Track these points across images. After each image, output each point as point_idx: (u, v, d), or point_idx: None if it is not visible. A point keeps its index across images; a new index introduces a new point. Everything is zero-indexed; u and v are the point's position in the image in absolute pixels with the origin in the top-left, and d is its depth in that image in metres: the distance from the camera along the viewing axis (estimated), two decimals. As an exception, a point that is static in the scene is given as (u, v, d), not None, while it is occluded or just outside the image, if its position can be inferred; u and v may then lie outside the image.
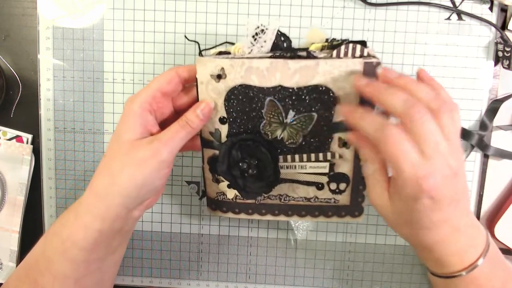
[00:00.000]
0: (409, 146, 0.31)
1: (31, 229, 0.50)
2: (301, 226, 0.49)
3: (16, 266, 0.50)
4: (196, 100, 0.39)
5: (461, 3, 0.44)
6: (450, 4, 0.44)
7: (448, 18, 0.45)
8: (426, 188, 0.30)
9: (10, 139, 0.49)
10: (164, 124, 0.38)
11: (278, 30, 0.38)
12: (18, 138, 0.49)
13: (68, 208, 0.37)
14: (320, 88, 0.37)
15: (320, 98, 0.38)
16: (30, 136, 0.49)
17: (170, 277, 0.51)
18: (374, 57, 0.36)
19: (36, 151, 0.49)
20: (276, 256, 0.50)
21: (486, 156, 0.47)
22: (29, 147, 0.48)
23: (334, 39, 0.41)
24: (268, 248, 0.49)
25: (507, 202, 0.47)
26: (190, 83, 0.39)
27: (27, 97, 0.48)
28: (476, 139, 0.45)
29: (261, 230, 0.49)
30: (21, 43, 0.48)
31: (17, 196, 0.49)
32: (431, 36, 0.45)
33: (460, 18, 0.45)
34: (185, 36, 0.46)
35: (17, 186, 0.49)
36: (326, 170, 0.41)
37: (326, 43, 0.40)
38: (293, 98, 0.38)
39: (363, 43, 0.37)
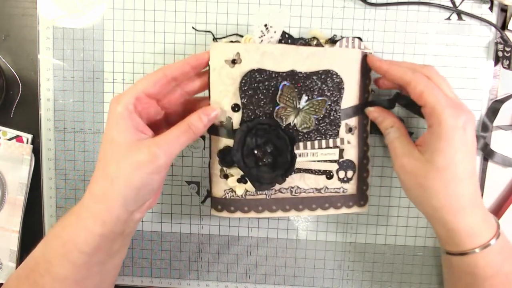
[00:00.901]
0: (436, 86, 0.36)
1: (31, 229, 0.50)
2: (301, 226, 0.49)
3: (16, 266, 0.50)
4: (208, 87, 0.39)
5: (461, 3, 0.44)
6: (450, 4, 0.44)
7: (448, 18, 0.45)
8: (462, 114, 0.35)
9: (10, 139, 0.49)
10: (150, 125, 0.38)
11: (283, 31, 0.41)
12: (18, 138, 0.49)
13: (69, 211, 0.37)
14: (330, 73, 0.40)
15: (330, 82, 0.40)
16: (30, 136, 0.49)
17: (170, 277, 0.51)
18: (368, 49, 0.42)
19: (36, 151, 0.49)
20: (276, 256, 0.50)
21: (485, 160, 0.47)
22: (29, 147, 0.48)
23: (335, 35, 0.44)
24: (268, 248, 0.49)
25: (507, 202, 0.47)
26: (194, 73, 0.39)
27: (27, 97, 0.48)
28: (481, 143, 0.45)
29: (261, 230, 0.49)
30: (21, 43, 0.48)
31: (17, 196, 0.49)
32: (431, 36, 0.45)
33: (460, 18, 0.45)
34: (194, 28, 0.46)
35: (17, 186, 0.49)
36: (336, 157, 0.42)
37: (328, 39, 0.44)
38: (306, 82, 0.40)
39: (359, 39, 0.42)
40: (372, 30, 0.45)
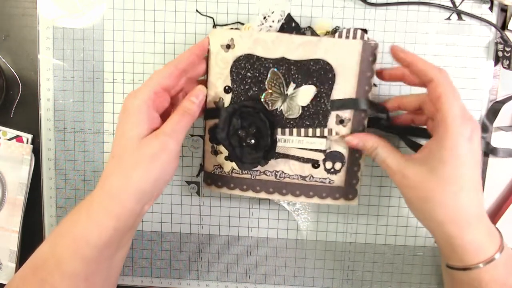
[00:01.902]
0: (454, 93, 0.35)
1: (31, 229, 0.50)
2: (301, 226, 0.49)
3: (16, 266, 0.50)
4: (206, 69, 0.42)
5: (461, 3, 0.44)
6: (450, 4, 0.44)
7: (448, 18, 0.45)
8: (469, 124, 0.34)
9: (10, 139, 0.49)
10: (163, 116, 0.39)
11: (289, 14, 0.41)
12: (18, 138, 0.49)
13: (77, 208, 0.37)
14: (321, 63, 0.40)
15: (320, 72, 0.40)
16: (30, 136, 0.49)
17: (170, 277, 0.51)
18: (373, 41, 0.40)
19: (36, 151, 0.49)
20: (276, 256, 0.50)
21: (486, 155, 0.47)
22: (29, 147, 0.48)
23: (338, 27, 0.44)
24: (268, 248, 0.49)
25: (507, 202, 0.47)
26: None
27: (27, 97, 0.48)
28: (483, 143, 0.45)
29: (261, 230, 0.49)
30: (21, 43, 0.48)
31: (17, 196, 0.49)
32: (431, 36, 0.45)
33: (460, 18, 0.45)
34: (197, 10, 0.46)
35: (17, 186, 0.49)
36: (323, 147, 0.42)
37: (330, 30, 0.43)
38: (295, 70, 0.41)
39: (364, 31, 0.41)
40: (372, 30, 0.45)
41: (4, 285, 0.50)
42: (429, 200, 0.35)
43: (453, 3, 0.44)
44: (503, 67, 0.45)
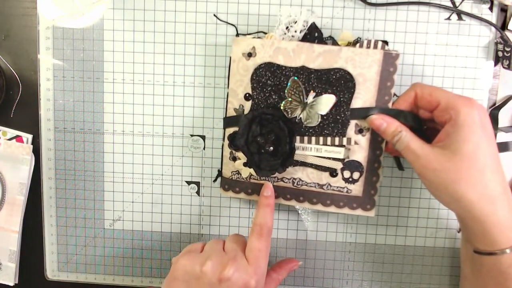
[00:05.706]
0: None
1: (31, 229, 0.50)
2: (301, 226, 0.49)
3: (16, 266, 0.50)
4: (227, 76, 0.43)
5: (461, 3, 0.44)
6: (450, 4, 0.44)
7: (448, 18, 0.45)
8: (474, 104, 0.36)
9: (10, 139, 0.49)
10: None
11: (314, 23, 0.42)
12: (18, 138, 0.49)
13: None
14: (341, 72, 0.41)
15: (340, 81, 0.41)
16: (30, 136, 0.49)
17: (170, 277, 0.50)
18: (394, 51, 0.40)
19: (36, 151, 0.49)
20: (276, 256, 0.50)
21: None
22: (29, 147, 0.48)
23: (359, 38, 0.44)
24: (268, 248, 0.49)
25: None
26: None
27: (27, 97, 0.48)
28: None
29: (261, 230, 0.49)
30: (21, 43, 0.48)
31: (17, 196, 0.49)
32: (431, 36, 0.45)
33: (460, 18, 0.45)
34: (215, 15, 0.46)
35: (17, 186, 0.49)
36: (341, 156, 0.42)
37: (352, 41, 0.44)
38: (315, 79, 0.41)
39: (385, 42, 0.41)
40: (372, 30, 0.45)
41: (4, 285, 0.50)
42: (457, 180, 0.35)
43: (453, 3, 0.45)
44: (503, 67, 0.45)
